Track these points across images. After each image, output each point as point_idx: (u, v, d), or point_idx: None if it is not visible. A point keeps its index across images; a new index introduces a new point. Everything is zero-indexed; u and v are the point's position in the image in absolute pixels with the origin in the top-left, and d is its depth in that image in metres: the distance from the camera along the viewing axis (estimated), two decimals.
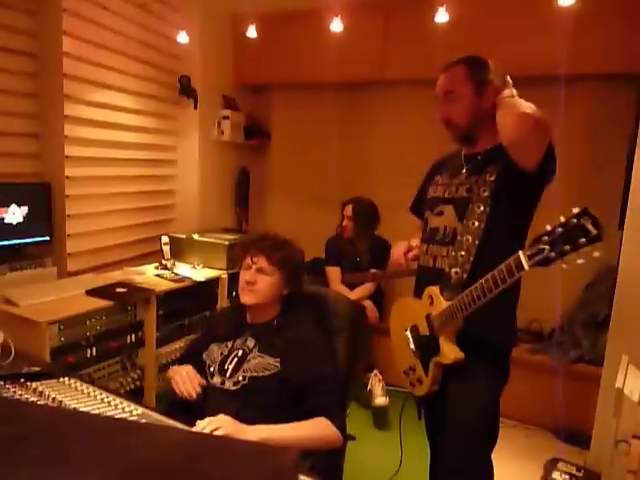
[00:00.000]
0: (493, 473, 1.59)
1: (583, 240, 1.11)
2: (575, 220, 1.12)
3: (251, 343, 1.55)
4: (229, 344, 1.58)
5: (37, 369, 1.54)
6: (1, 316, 1.96)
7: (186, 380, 1.51)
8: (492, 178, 1.48)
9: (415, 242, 1.75)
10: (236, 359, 1.53)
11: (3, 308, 2.00)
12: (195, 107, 3.31)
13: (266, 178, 4.12)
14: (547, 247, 1.16)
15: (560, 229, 1.14)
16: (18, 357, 1.66)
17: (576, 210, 1.13)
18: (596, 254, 1.11)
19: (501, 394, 1.55)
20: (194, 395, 1.48)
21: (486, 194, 1.47)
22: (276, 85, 3.84)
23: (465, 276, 1.45)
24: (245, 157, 3.88)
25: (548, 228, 1.17)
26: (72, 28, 2.51)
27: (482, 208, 1.47)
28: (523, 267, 1.21)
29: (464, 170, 1.57)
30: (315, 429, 1.37)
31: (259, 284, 1.54)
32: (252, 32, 2.76)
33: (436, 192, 1.65)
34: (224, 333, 1.62)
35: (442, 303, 1.47)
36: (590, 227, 1.10)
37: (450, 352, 1.44)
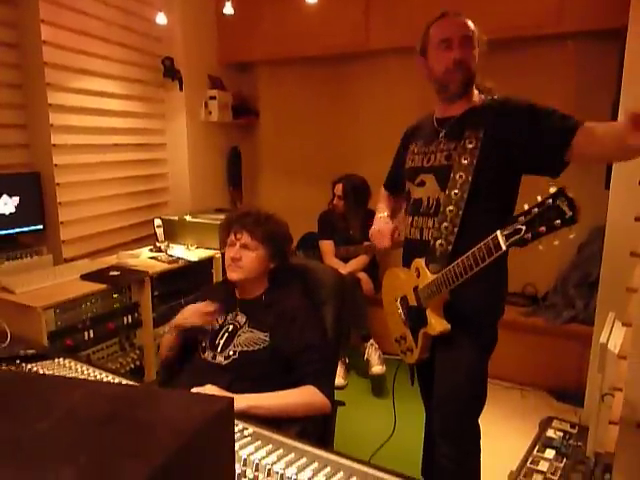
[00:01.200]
0: (480, 435, 1.63)
1: (558, 222, 1.10)
2: (550, 201, 1.11)
3: (242, 319, 1.59)
4: (220, 320, 1.62)
5: (33, 351, 1.60)
6: None
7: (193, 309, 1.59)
8: (471, 145, 1.44)
9: (397, 221, 1.73)
10: (227, 334, 1.57)
11: (0, 295, 2.05)
12: (180, 89, 3.30)
13: (257, 156, 4.12)
14: (523, 227, 1.15)
15: (536, 209, 1.13)
16: (15, 342, 1.72)
17: (553, 190, 1.12)
18: (571, 236, 1.11)
19: (487, 362, 1.57)
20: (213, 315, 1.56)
21: (466, 162, 1.44)
22: (261, 62, 3.81)
23: (450, 248, 1.45)
24: (235, 136, 3.88)
25: (525, 207, 1.16)
26: (50, 16, 2.51)
27: (464, 177, 1.44)
28: (501, 247, 1.21)
29: (441, 135, 1.53)
30: (303, 396, 1.42)
31: (244, 260, 1.56)
32: (229, 9, 2.73)
33: (414, 162, 1.61)
34: None
35: (428, 276, 1.47)
36: (565, 208, 1.09)
37: (437, 324, 1.46)
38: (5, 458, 0.37)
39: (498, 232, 1.22)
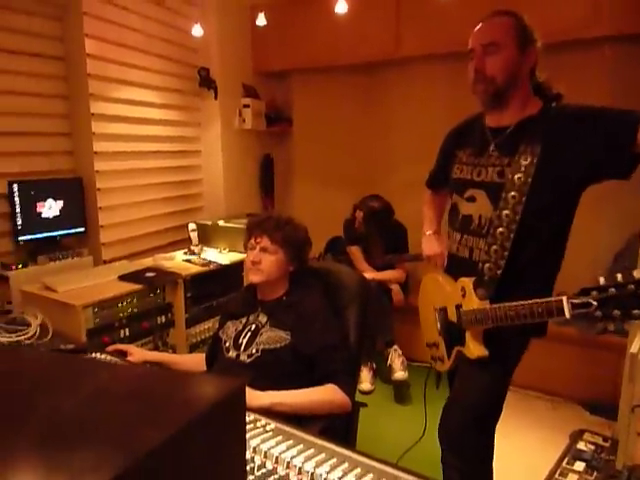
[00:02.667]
0: (488, 452, 1.58)
1: (637, 312, 1.03)
2: (633, 287, 1.03)
3: (263, 319, 1.64)
4: (243, 320, 1.67)
5: (72, 346, 1.69)
6: (42, 301, 2.13)
7: None
8: (526, 162, 1.34)
9: (446, 249, 1.66)
10: (249, 333, 1.62)
11: (43, 294, 2.18)
12: (215, 97, 3.41)
13: (290, 163, 4.20)
14: (595, 304, 1.07)
15: (613, 290, 1.06)
16: (56, 337, 1.83)
17: (638, 275, 1.04)
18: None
19: (508, 381, 1.52)
20: None
21: (520, 180, 1.34)
22: (294, 71, 3.89)
23: (499, 272, 1.37)
24: (268, 144, 3.97)
25: (601, 281, 1.08)
26: (94, 30, 2.66)
27: (517, 197, 1.34)
28: (564, 313, 1.14)
29: (492, 147, 1.43)
30: (324, 394, 1.45)
31: (264, 263, 1.61)
32: (262, 20, 2.82)
33: (462, 172, 1.52)
34: (238, 310, 1.71)
35: (474, 300, 1.40)
36: None
37: (475, 349, 1.41)
38: (36, 431, 0.42)
39: (564, 298, 1.14)
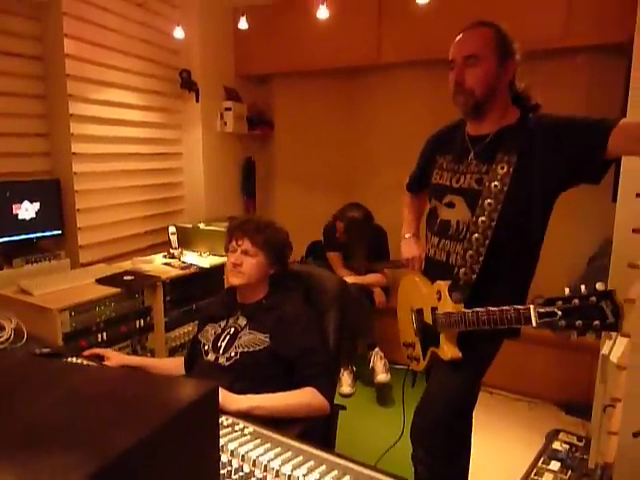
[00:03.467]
0: (459, 449, 1.63)
1: (597, 323, 1.08)
2: (595, 299, 1.08)
3: (242, 322, 1.64)
4: (222, 323, 1.67)
5: (48, 350, 1.67)
6: (17, 305, 2.10)
7: None
8: (503, 171, 1.37)
9: (424, 252, 1.69)
10: (228, 336, 1.62)
11: (19, 297, 2.14)
12: (197, 100, 3.40)
13: (271, 167, 4.20)
14: (559, 313, 1.13)
15: (577, 301, 1.11)
16: (32, 341, 1.79)
17: (600, 287, 1.09)
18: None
19: (480, 379, 1.56)
20: None
21: (497, 188, 1.37)
22: (276, 74, 3.90)
23: (474, 277, 1.41)
24: (249, 147, 3.96)
25: (566, 292, 1.13)
26: (73, 30, 2.62)
27: (493, 204, 1.37)
28: (531, 322, 1.19)
29: (471, 155, 1.47)
30: (302, 397, 1.46)
31: (245, 266, 1.61)
32: (243, 24, 2.82)
33: (442, 179, 1.55)
34: (217, 313, 1.71)
35: (448, 304, 1.43)
36: (608, 313, 1.06)
37: (449, 351, 1.45)
38: (9, 434, 0.42)
39: (531, 307, 1.19)
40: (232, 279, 1.64)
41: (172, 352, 2.56)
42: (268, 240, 1.63)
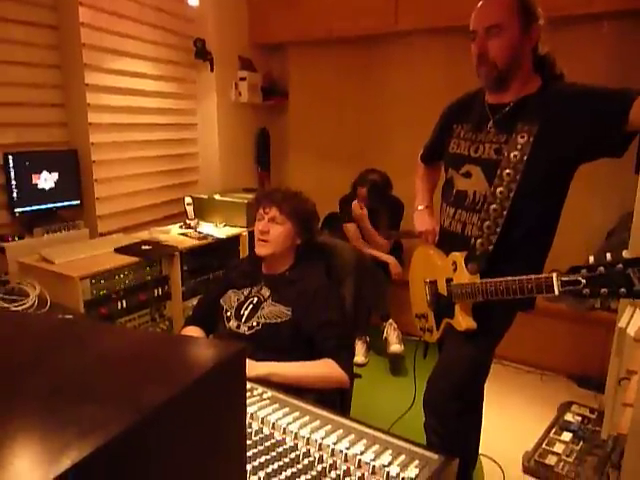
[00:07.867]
0: (471, 419, 1.64)
1: (623, 290, 1.06)
2: (622, 266, 1.06)
3: (266, 292, 1.65)
4: (245, 291, 1.69)
5: (70, 316, 1.71)
6: (39, 272, 2.14)
7: None
8: (523, 140, 1.35)
9: (437, 224, 1.68)
10: (251, 306, 1.64)
11: (41, 265, 2.18)
12: (212, 70, 3.36)
13: (286, 137, 4.17)
14: (583, 281, 1.11)
15: (602, 269, 1.09)
16: (55, 308, 1.84)
17: (627, 255, 1.07)
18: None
19: (493, 349, 1.56)
20: None
21: (516, 158, 1.35)
22: (291, 43, 3.83)
23: (491, 248, 1.40)
24: (264, 117, 3.93)
25: (591, 260, 1.11)
26: None
27: (512, 174, 1.35)
28: (553, 290, 1.17)
29: (490, 124, 1.44)
30: (322, 368, 1.49)
31: (272, 233, 1.62)
32: None
33: (460, 148, 1.53)
34: (241, 281, 1.72)
35: (464, 275, 1.43)
36: (636, 280, 1.04)
37: (464, 322, 1.45)
38: (43, 387, 0.43)
39: (554, 275, 1.18)
40: (260, 249, 1.65)
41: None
42: (295, 209, 1.64)
